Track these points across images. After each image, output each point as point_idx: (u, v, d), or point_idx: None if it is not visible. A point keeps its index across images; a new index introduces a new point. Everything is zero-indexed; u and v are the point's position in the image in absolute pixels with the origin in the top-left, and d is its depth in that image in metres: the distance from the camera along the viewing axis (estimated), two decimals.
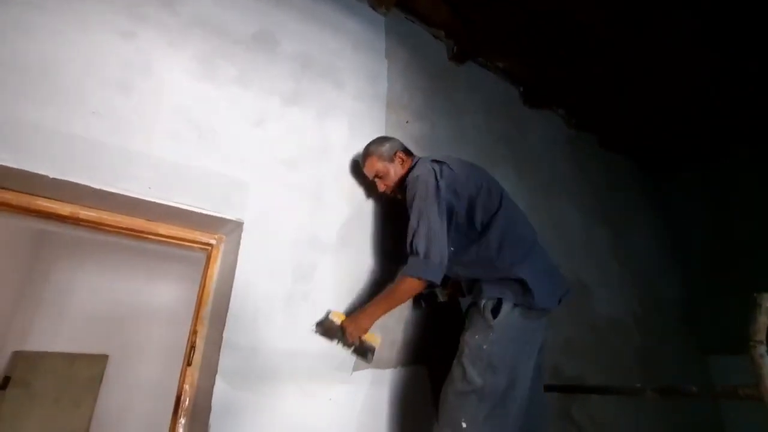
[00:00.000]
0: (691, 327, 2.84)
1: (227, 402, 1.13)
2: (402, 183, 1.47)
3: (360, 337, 1.35)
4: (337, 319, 1.36)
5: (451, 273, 1.40)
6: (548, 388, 1.57)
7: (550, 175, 2.57)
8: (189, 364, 1.27)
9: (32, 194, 1.17)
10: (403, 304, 1.43)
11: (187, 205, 1.26)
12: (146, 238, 1.34)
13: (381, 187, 1.54)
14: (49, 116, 1.12)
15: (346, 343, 1.35)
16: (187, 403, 1.23)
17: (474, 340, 1.25)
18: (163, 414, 1.34)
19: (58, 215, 1.20)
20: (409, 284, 1.27)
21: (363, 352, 1.38)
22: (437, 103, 2.16)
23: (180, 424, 1.21)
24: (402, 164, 1.52)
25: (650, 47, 2.20)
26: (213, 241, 1.42)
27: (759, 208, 2.81)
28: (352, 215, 1.61)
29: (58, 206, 1.20)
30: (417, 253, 1.26)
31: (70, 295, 3.53)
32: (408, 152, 1.58)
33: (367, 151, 1.57)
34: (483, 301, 1.29)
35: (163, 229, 1.33)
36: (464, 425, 1.15)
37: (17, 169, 1.06)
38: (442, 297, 1.59)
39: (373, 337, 1.39)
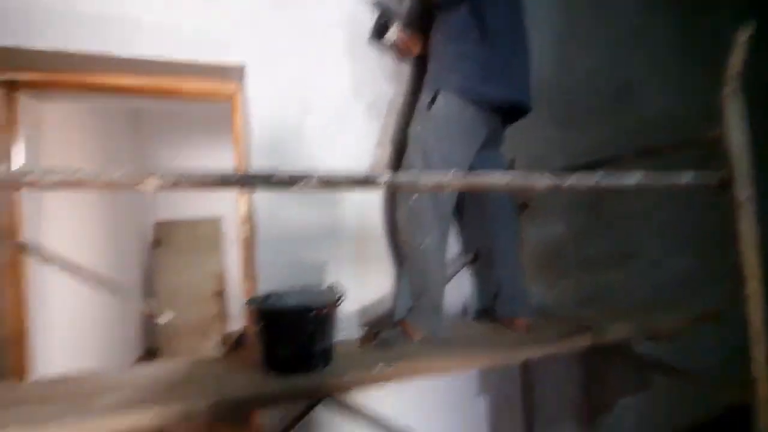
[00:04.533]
0: None
1: (268, 208, 1.48)
2: None
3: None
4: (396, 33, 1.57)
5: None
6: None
7: None
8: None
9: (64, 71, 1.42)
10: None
11: (190, 59, 1.43)
12: (176, 95, 1.59)
13: None
14: None
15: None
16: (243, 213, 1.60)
17: (414, 130, 1.41)
18: None
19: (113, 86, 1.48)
20: None
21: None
22: None
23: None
24: None
25: None
26: (231, 90, 1.61)
27: None
28: (350, 50, 1.65)
29: (110, 78, 1.46)
30: None
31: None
32: None
33: None
34: (425, 93, 1.40)
35: (188, 85, 1.55)
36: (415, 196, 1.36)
37: (66, 52, 1.29)
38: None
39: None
